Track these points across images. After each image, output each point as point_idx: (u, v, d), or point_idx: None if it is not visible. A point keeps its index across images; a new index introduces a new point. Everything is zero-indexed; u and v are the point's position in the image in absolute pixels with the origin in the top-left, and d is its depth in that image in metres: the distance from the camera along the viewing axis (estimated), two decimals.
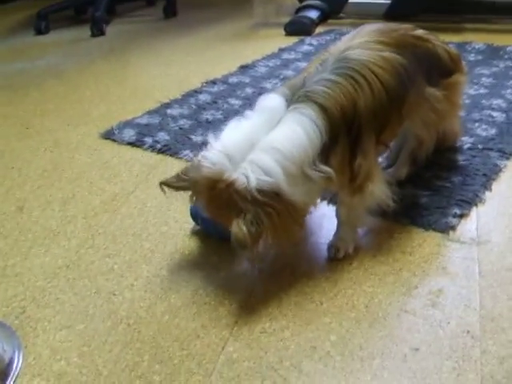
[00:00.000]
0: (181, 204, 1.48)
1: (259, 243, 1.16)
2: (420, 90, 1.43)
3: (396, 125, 1.42)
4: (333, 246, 1.37)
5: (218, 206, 1.20)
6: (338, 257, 1.35)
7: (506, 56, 2.64)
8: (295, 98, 1.24)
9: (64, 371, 1.10)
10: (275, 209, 1.15)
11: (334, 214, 1.39)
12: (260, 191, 1.13)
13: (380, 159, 1.57)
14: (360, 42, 1.36)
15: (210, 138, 1.25)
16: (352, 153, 1.26)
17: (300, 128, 1.19)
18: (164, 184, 1.29)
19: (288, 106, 1.24)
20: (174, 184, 1.29)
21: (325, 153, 1.21)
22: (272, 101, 1.26)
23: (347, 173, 1.27)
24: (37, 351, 1.15)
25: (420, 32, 1.51)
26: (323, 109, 1.22)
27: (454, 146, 1.79)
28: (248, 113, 1.27)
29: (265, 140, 1.19)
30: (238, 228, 1.12)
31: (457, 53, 1.60)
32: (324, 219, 1.47)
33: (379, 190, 1.34)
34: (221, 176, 1.16)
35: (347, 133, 1.25)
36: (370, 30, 1.44)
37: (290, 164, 1.17)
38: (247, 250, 1.15)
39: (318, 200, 1.35)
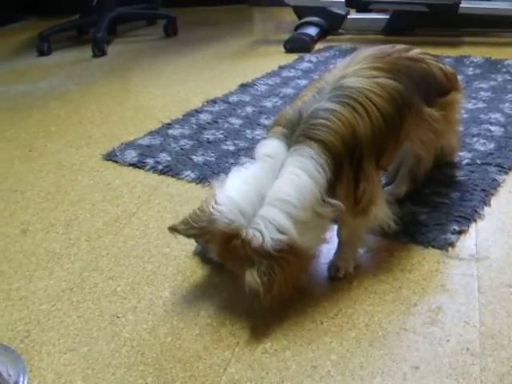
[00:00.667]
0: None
1: (272, 293, 1.18)
2: (418, 112, 1.45)
3: (394, 150, 1.43)
4: (333, 266, 1.38)
5: (232, 257, 1.22)
6: (339, 276, 1.37)
7: (504, 69, 2.66)
8: (295, 138, 1.25)
9: None
10: (287, 260, 1.18)
11: (334, 233, 1.41)
12: (274, 248, 1.17)
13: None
14: (355, 70, 1.37)
15: (215, 184, 1.28)
16: (355, 179, 1.27)
17: (303, 172, 1.21)
18: (173, 230, 1.30)
19: (288, 147, 1.25)
20: (184, 232, 1.29)
21: (331, 186, 1.23)
22: (271, 148, 1.27)
23: (352, 198, 1.29)
24: (41, 375, 1.16)
25: (414, 52, 1.51)
26: (324, 145, 1.23)
27: (451, 161, 1.80)
28: (248, 163, 1.30)
29: (272, 192, 1.21)
30: (252, 278, 1.16)
31: (452, 71, 1.61)
32: None
33: (382, 212, 1.36)
34: (237, 232, 1.18)
35: (350, 161, 1.26)
36: (364, 55, 1.44)
37: (300, 212, 1.19)
38: (259, 299, 1.17)
39: (329, 234, 1.36)
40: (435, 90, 1.52)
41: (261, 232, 1.17)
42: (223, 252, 1.25)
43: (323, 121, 1.25)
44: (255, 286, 1.15)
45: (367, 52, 1.47)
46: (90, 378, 1.15)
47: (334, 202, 1.23)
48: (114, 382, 1.13)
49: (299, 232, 1.19)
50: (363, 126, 1.27)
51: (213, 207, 1.22)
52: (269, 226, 1.17)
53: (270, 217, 1.18)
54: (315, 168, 1.21)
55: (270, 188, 1.21)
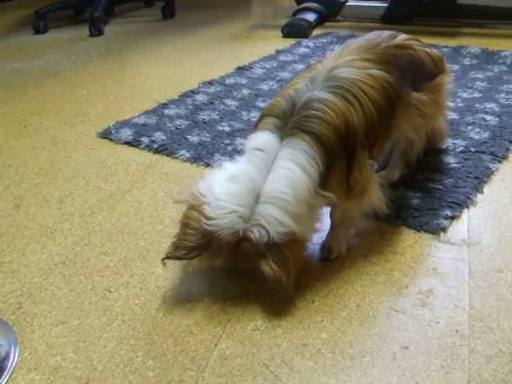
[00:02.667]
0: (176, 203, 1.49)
1: (291, 276, 1.19)
2: (407, 100, 1.45)
3: (384, 140, 1.44)
4: (326, 247, 1.39)
5: (245, 259, 1.23)
6: (331, 257, 1.37)
7: (501, 61, 2.66)
8: (288, 131, 1.24)
9: (59, 366, 1.12)
10: (292, 247, 1.20)
11: (327, 214, 1.41)
12: (281, 239, 1.18)
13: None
14: (346, 61, 1.37)
15: (201, 189, 1.24)
16: (349, 167, 1.27)
17: (297, 166, 1.20)
18: (174, 258, 1.24)
19: (281, 139, 1.24)
20: (184, 256, 1.22)
21: (323, 177, 1.23)
22: (263, 141, 1.26)
23: (344, 186, 1.29)
24: (33, 346, 1.17)
25: (401, 39, 1.52)
26: (317, 137, 1.22)
27: (441, 147, 1.82)
28: (238, 158, 1.30)
29: (266, 189, 1.20)
30: (270, 268, 1.17)
31: (439, 54, 1.62)
32: None
33: (375, 196, 1.36)
34: (244, 236, 1.19)
35: (343, 150, 1.25)
36: (355, 46, 1.44)
37: (295, 207, 1.19)
38: (283, 285, 1.18)
39: (319, 224, 1.35)
40: (423, 74, 1.53)
41: (265, 228, 1.17)
42: (235, 257, 1.24)
43: (316, 112, 1.24)
44: (276, 273, 1.16)
45: (357, 43, 1.47)
46: (81, 350, 1.15)
47: (326, 193, 1.23)
48: (105, 354, 1.14)
49: (297, 223, 1.20)
50: (356, 116, 1.27)
51: (207, 224, 1.19)
52: (270, 222, 1.18)
53: (268, 214, 1.18)
54: (308, 162, 1.20)
55: (264, 184, 1.21)
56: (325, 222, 1.42)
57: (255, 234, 1.18)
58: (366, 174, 1.32)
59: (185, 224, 1.24)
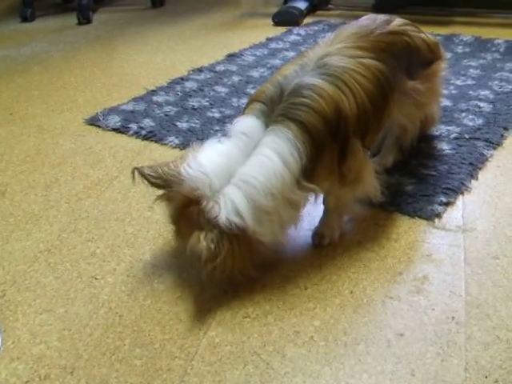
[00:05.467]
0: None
1: (215, 263, 1.11)
2: (401, 88, 1.41)
3: (377, 130, 1.39)
4: (318, 233, 1.36)
5: (185, 222, 1.17)
6: (323, 244, 1.34)
7: (494, 48, 2.64)
8: (274, 118, 1.20)
9: (43, 354, 1.08)
10: (237, 242, 1.13)
11: (318, 201, 1.38)
12: (227, 226, 1.11)
13: None
14: (338, 48, 1.32)
15: (191, 149, 1.23)
16: (342, 155, 1.23)
17: (276, 155, 1.15)
18: (139, 172, 1.22)
19: (266, 126, 1.20)
20: (149, 177, 1.21)
21: (309, 167, 1.18)
22: (247, 125, 1.22)
23: (336, 174, 1.25)
24: (16, 335, 1.13)
25: (396, 24, 1.46)
26: (303, 126, 1.17)
27: (434, 133, 1.79)
28: (225, 139, 1.24)
29: (240, 172, 1.15)
30: (197, 239, 1.10)
31: (435, 41, 1.57)
32: (309, 206, 1.46)
33: (369, 184, 1.33)
34: (198, 200, 1.13)
35: (334, 138, 1.21)
36: (347, 34, 1.39)
37: (264, 199, 1.13)
38: (202, 265, 1.11)
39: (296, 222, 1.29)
40: (418, 62, 1.48)
41: (220, 207, 1.12)
42: (179, 215, 1.19)
43: (305, 99, 1.19)
44: (199, 248, 1.09)
45: (350, 29, 1.42)
46: (66, 338, 1.12)
47: (310, 186, 1.19)
48: (91, 343, 1.10)
49: (258, 221, 1.14)
50: (347, 103, 1.22)
51: (184, 168, 1.17)
52: (228, 205, 1.12)
53: (230, 197, 1.13)
54: (290, 152, 1.16)
55: (240, 167, 1.16)
56: (317, 208, 1.39)
57: (208, 205, 1.12)
58: (360, 161, 1.28)
59: (173, 160, 1.22)
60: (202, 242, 1.10)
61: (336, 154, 1.23)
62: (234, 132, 1.23)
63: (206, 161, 1.18)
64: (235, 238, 1.13)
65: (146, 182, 1.21)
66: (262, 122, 1.21)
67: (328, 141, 1.20)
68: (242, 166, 1.17)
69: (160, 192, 1.23)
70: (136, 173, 1.21)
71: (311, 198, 1.27)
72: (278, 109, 1.20)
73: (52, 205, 1.55)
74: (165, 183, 1.20)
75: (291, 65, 1.32)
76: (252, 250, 1.17)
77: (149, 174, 1.21)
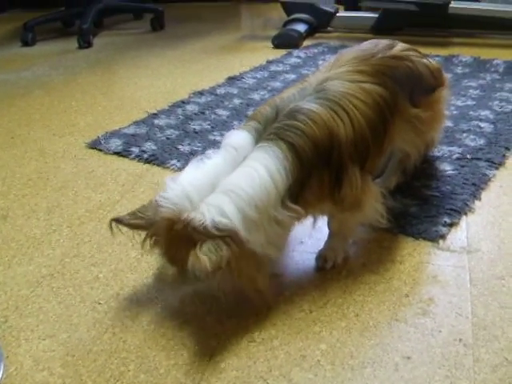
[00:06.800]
0: None
1: (220, 273, 1.08)
2: (403, 115, 1.40)
3: (378, 156, 1.38)
4: (321, 256, 1.35)
5: (177, 247, 1.13)
6: (326, 267, 1.33)
7: (493, 69, 2.65)
8: (265, 135, 1.19)
9: (46, 382, 1.07)
10: (234, 241, 1.08)
11: (322, 223, 1.37)
12: (216, 228, 1.07)
13: None
14: (339, 73, 1.32)
15: (168, 179, 1.17)
16: (336, 181, 1.22)
17: (264, 169, 1.13)
18: (116, 221, 1.19)
19: (257, 141, 1.18)
20: (128, 221, 1.18)
21: (296, 190, 1.16)
22: (238, 139, 1.20)
23: (328, 200, 1.24)
24: (19, 361, 1.12)
25: (398, 49, 1.46)
26: (293, 148, 1.16)
27: (436, 154, 1.79)
28: (210, 153, 1.22)
29: (225, 182, 1.13)
30: (195, 257, 1.04)
31: (438, 66, 1.55)
32: (312, 229, 1.45)
33: (370, 209, 1.31)
34: (179, 217, 1.09)
35: (326, 164, 1.19)
36: (348, 58, 1.39)
37: (250, 209, 1.10)
38: (211, 276, 1.06)
39: (285, 246, 1.28)
40: (421, 88, 1.47)
41: (202, 214, 1.08)
42: (168, 243, 1.14)
43: (297, 123, 1.19)
44: (200, 264, 1.03)
45: (351, 53, 1.41)
46: (69, 364, 1.10)
47: (294, 207, 1.15)
48: (95, 369, 1.09)
49: (246, 227, 1.09)
50: (344, 129, 1.21)
51: (159, 195, 1.14)
52: (211, 210, 1.08)
53: (214, 203, 1.10)
54: (277, 169, 1.14)
55: (225, 178, 1.14)
56: (322, 231, 1.39)
57: (189, 216, 1.08)
58: (357, 188, 1.25)
59: (147, 202, 1.21)
60: (201, 256, 1.04)
61: (327, 180, 1.21)
62: (223, 145, 1.22)
63: (184, 179, 1.16)
64: (231, 240, 1.07)
65: (127, 229, 1.19)
66: (252, 138, 1.20)
67: (317, 166, 1.19)
68: (228, 176, 1.14)
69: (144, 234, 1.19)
70: (114, 224, 1.19)
71: (304, 220, 1.26)
72: (270, 128, 1.20)
73: (54, 229, 1.54)
74: (145, 221, 1.17)
75: (291, 88, 1.32)
76: (248, 256, 1.11)
77: (127, 219, 1.18)
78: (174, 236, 1.11)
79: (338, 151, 1.21)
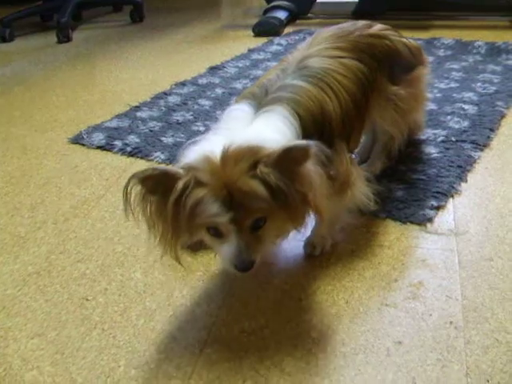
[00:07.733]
0: None
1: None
2: (382, 92, 1.40)
3: (359, 131, 1.38)
4: (309, 243, 1.34)
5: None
6: (315, 254, 1.33)
7: (475, 51, 2.66)
8: (263, 104, 1.15)
9: (36, 381, 1.06)
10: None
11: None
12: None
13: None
14: (318, 50, 1.31)
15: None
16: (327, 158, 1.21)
17: (276, 123, 1.10)
18: (138, 178, 0.99)
19: (256, 110, 1.15)
20: (142, 175, 0.98)
21: None
22: (239, 110, 1.17)
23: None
24: (7, 361, 1.10)
25: (377, 28, 1.45)
26: (295, 113, 1.14)
27: (420, 138, 1.79)
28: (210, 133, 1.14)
29: (241, 137, 1.03)
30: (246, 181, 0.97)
31: (417, 45, 1.55)
32: None
33: (359, 192, 1.30)
34: (177, 175, 0.98)
35: (319, 139, 1.15)
36: (326, 35, 1.38)
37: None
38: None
39: None
40: (400, 66, 1.46)
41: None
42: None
43: (292, 95, 1.17)
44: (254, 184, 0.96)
45: (329, 31, 1.41)
46: (59, 362, 1.09)
47: None
48: (85, 366, 1.08)
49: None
50: (332, 105, 1.21)
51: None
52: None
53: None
54: (287, 125, 1.11)
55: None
56: (309, 218, 1.38)
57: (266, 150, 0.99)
58: (347, 164, 1.25)
59: None
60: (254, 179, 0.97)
61: None
62: (224, 119, 1.18)
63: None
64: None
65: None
66: (252, 108, 1.15)
67: (315, 138, 1.18)
68: (243, 133, 1.08)
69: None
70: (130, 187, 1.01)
71: None
72: (265, 101, 1.16)
73: (39, 226, 1.52)
74: (157, 179, 0.99)
75: (272, 70, 1.31)
76: None
77: (141, 172, 0.99)
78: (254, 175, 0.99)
79: (329, 127, 1.20)
